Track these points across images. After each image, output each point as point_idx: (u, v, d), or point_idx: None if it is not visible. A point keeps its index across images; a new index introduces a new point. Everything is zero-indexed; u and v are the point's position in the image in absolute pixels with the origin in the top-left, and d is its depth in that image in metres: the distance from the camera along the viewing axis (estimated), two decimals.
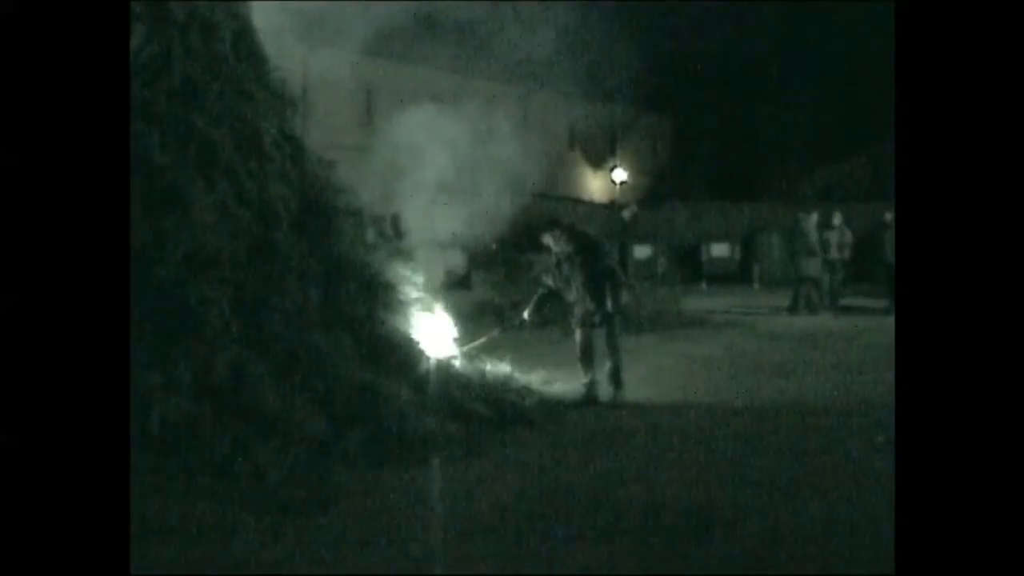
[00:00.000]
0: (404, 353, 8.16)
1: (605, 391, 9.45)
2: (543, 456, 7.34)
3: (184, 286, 7.11)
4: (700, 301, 19.81)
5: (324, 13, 10.69)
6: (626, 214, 28.58)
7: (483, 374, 9.02)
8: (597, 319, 9.28)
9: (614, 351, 9.45)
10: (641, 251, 26.66)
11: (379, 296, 8.31)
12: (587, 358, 9.44)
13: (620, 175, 41.45)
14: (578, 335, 9.44)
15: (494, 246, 18.67)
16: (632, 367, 10.41)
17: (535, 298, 9.83)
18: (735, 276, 27.84)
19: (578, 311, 9.36)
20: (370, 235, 8.69)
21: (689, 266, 26.76)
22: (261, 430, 6.80)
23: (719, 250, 28.93)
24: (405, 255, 9.00)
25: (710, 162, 41.89)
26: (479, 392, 8.45)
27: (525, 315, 9.91)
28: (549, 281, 9.56)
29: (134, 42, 7.77)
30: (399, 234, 9.72)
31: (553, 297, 9.77)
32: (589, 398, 9.37)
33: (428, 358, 8.42)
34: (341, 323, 7.82)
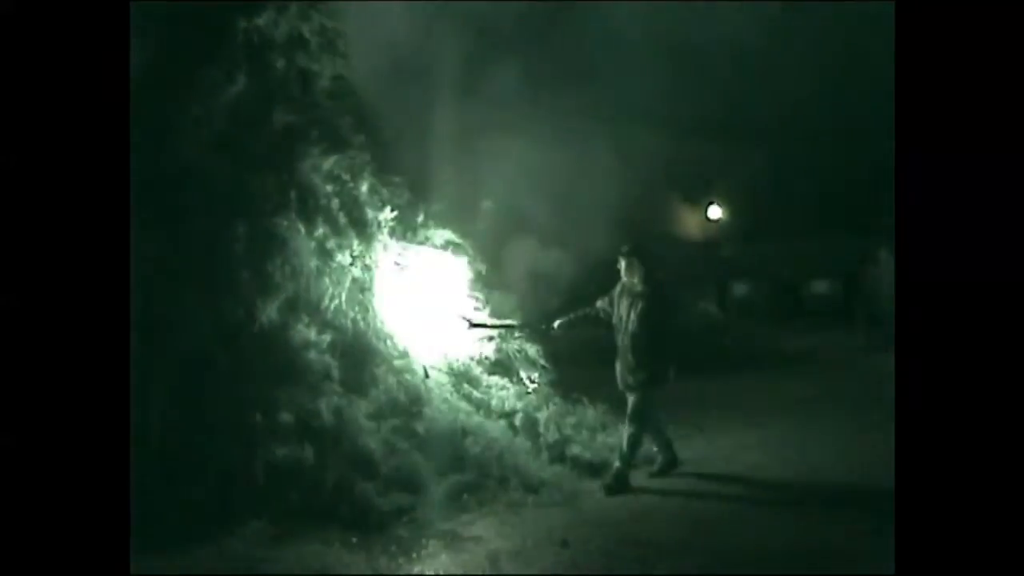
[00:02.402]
0: (503, 396, 8.25)
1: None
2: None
3: (286, 330, 7.30)
4: (801, 339, 19.51)
5: (413, 53, 10.90)
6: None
7: (586, 418, 8.90)
8: (631, 380, 7.84)
9: (661, 426, 8.16)
10: (739, 288, 26.42)
11: (478, 338, 8.41)
12: (638, 430, 7.88)
13: (716, 212, 41.06)
14: (631, 400, 7.89)
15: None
16: (724, 410, 10.24)
17: (576, 314, 8.51)
18: (837, 312, 27.33)
19: (619, 365, 7.94)
20: (469, 277, 8.81)
21: (790, 303, 26.39)
22: (363, 473, 6.93)
23: (820, 286, 28.45)
24: (504, 297, 9.06)
25: (811, 196, 41.25)
26: (581, 437, 8.42)
27: (556, 324, 8.53)
28: (602, 305, 8.21)
29: (233, 91, 8.06)
30: (495, 274, 9.74)
31: (599, 325, 8.42)
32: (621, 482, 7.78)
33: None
34: (440, 366, 7.94)
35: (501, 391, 8.39)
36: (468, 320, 8.48)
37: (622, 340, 7.87)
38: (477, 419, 7.80)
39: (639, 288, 7.86)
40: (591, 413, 9.03)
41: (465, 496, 7.15)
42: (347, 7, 9.14)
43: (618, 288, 8.07)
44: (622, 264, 8.02)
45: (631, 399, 7.85)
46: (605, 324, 8.19)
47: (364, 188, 8.17)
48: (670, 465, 8.10)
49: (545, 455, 7.82)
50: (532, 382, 8.80)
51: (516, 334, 9.11)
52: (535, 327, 8.96)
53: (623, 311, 7.89)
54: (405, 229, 8.47)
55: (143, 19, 8.77)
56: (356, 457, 7.03)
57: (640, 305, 7.78)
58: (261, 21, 8.37)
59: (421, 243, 8.54)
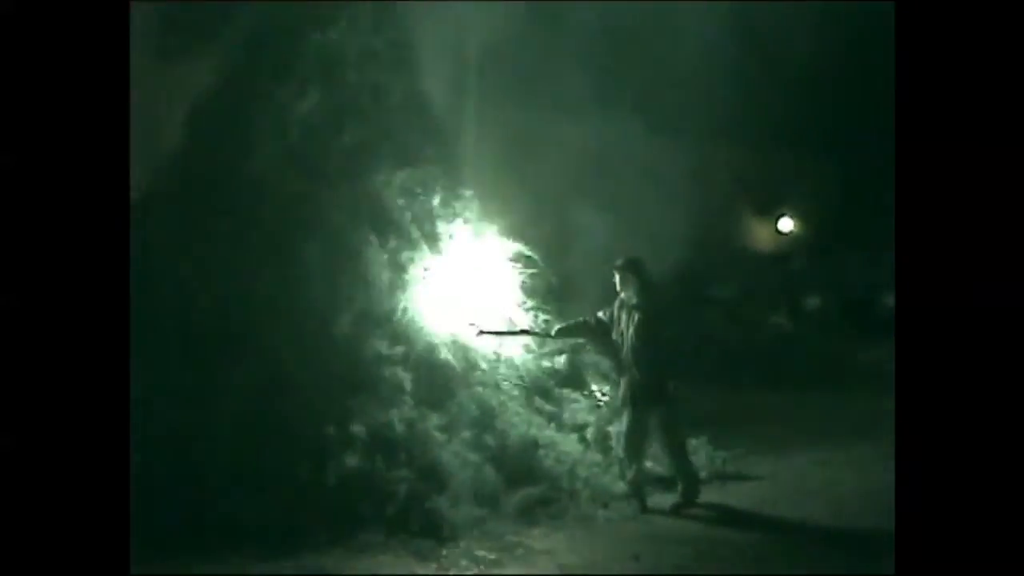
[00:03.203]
0: (575, 409, 8.27)
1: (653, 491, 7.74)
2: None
3: (359, 343, 7.41)
4: (876, 352, 19.19)
5: (483, 62, 10.96)
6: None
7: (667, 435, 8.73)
8: (639, 395, 7.52)
9: (675, 449, 7.66)
10: (812, 302, 26.07)
11: (551, 353, 8.45)
12: (632, 447, 7.61)
13: (787, 224, 40.56)
14: (625, 417, 7.65)
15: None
16: (797, 425, 10.10)
17: (576, 322, 8.14)
18: None
19: (623, 383, 7.69)
20: (540, 293, 8.85)
21: (864, 316, 25.98)
22: (434, 485, 6.99)
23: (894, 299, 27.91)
24: (572, 313, 9.06)
25: (884, 207, 40.59)
26: (652, 451, 8.38)
27: (554, 331, 8.24)
28: (603, 316, 7.89)
29: (306, 105, 8.23)
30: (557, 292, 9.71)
31: (598, 337, 8.18)
32: (637, 502, 7.54)
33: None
34: (512, 379, 7.99)
35: (573, 404, 8.40)
36: (478, 328, 8.21)
37: (624, 355, 7.68)
38: (549, 432, 7.82)
39: (634, 301, 7.66)
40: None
41: (536, 509, 7.17)
42: (417, 16, 9.24)
43: (617, 302, 7.86)
44: (616, 278, 7.81)
45: (660, 418, 7.58)
46: (602, 334, 7.95)
47: (436, 201, 8.27)
48: (690, 495, 7.58)
49: (616, 469, 7.80)
50: (603, 395, 8.79)
51: (587, 347, 9.07)
52: (538, 334, 8.63)
53: (623, 325, 7.72)
54: (476, 242, 8.54)
55: (219, 37, 9.06)
56: (428, 469, 7.07)
57: (636, 318, 7.59)
58: (334, 36, 8.54)
59: (492, 255, 8.59)
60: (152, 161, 8.61)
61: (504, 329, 8.48)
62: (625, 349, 7.65)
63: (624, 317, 7.72)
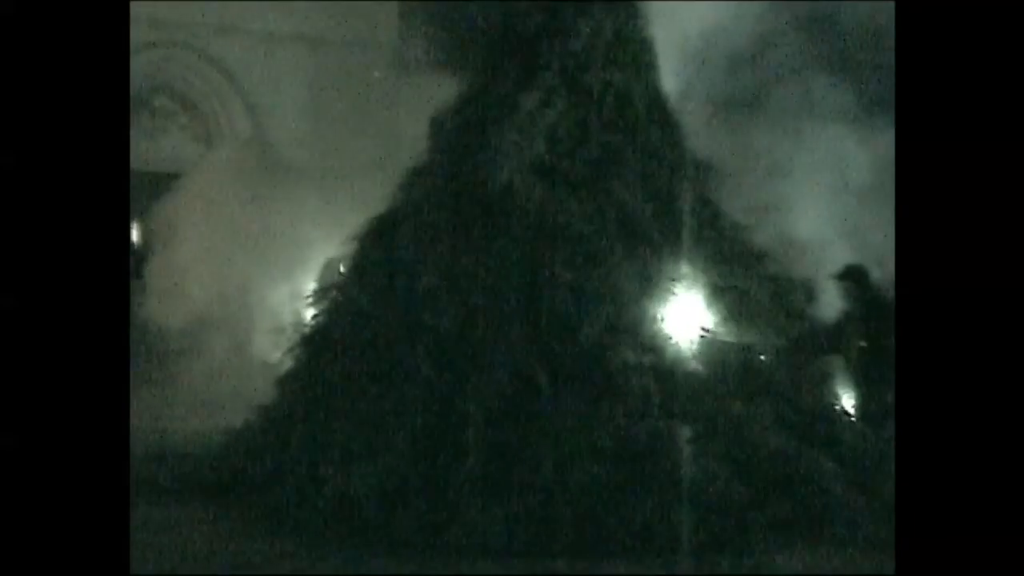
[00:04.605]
0: (828, 424, 8.05)
1: None
2: None
3: (606, 352, 7.48)
4: None
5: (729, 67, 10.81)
6: None
7: None
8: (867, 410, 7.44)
9: None
10: None
11: (800, 365, 8.27)
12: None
13: None
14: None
15: None
16: None
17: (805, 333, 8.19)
18: None
19: (846, 394, 7.63)
20: (789, 301, 8.68)
21: None
22: (680, 498, 6.97)
23: None
24: (823, 325, 8.83)
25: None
26: None
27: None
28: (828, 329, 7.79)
29: (551, 115, 8.40)
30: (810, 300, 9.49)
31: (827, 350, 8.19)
32: None
33: None
34: (760, 391, 7.87)
35: (825, 421, 8.19)
36: (705, 330, 8.17)
37: (848, 367, 7.68)
38: (800, 448, 7.64)
39: (857, 312, 7.68)
40: None
41: (785, 528, 7.04)
42: (662, 19, 9.23)
43: (839, 312, 7.84)
44: (838, 287, 7.84)
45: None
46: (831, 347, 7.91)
47: (685, 209, 8.25)
48: None
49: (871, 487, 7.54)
50: (852, 408, 8.53)
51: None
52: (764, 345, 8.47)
53: (849, 338, 7.75)
54: (731, 252, 8.47)
55: (464, 50, 9.38)
56: (674, 482, 7.07)
57: (861, 326, 7.65)
58: (577, 45, 8.67)
59: (741, 265, 8.48)
60: (398, 173, 9.01)
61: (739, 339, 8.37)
62: (852, 363, 7.71)
63: (848, 328, 7.77)
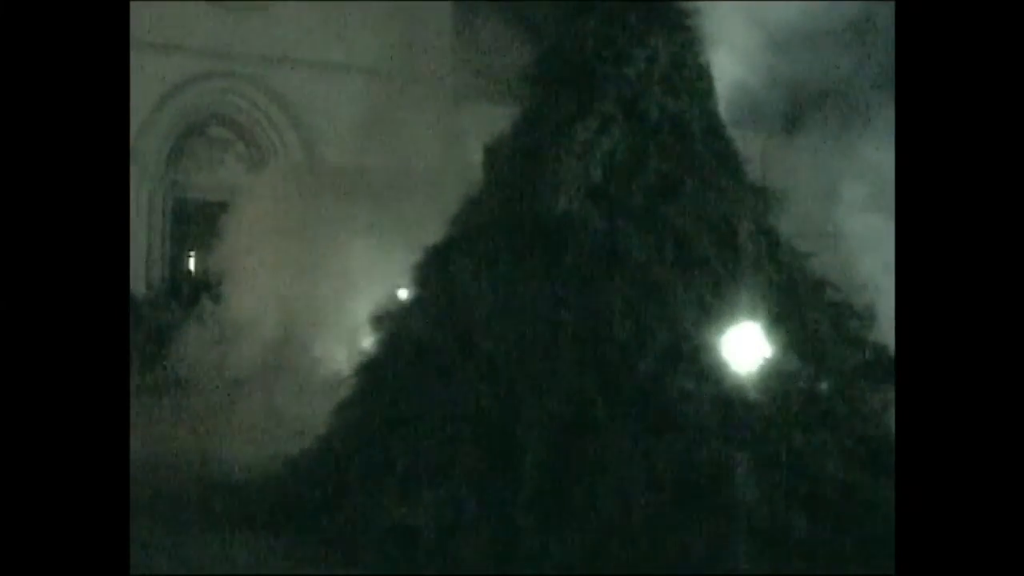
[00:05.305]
0: (890, 454, 7.96)
1: None
2: None
3: (664, 380, 7.49)
4: None
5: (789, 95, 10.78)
6: None
7: None
8: None
9: None
10: None
11: (862, 393, 8.21)
12: None
13: None
14: None
15: None
16: None
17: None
18: None
19: None
20: (850, 329, 8.63)
21: None
22: (740, 529, 6.94)
23: None
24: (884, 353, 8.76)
25: None
26: None
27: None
28: None
29: (608, 144, 8.45)
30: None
31: None
32: None
33: None
34: (821, 421, 7.82)
35: (887, 451, 8.08)
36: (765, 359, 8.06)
37: None
38: (863, 478, 7.56)
39: None
40: None
41: (848, 560, 6.96)
42: (716, 46, 9.27)
43: None
44: None
45: None
46: None
47: (744, 236, 8.24)
48: None
49: None
50: None
51: None
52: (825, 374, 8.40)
53: None
54: (790, 280, 8.44)
55: (519, 79, 9.47)
56: (734, 513, 7.03)
57: None
58: (632, 73, 8.72)
59: (806, 296, 8.45)
60: (454, 202, 9.10)
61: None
62: None
63: None
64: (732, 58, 9.37)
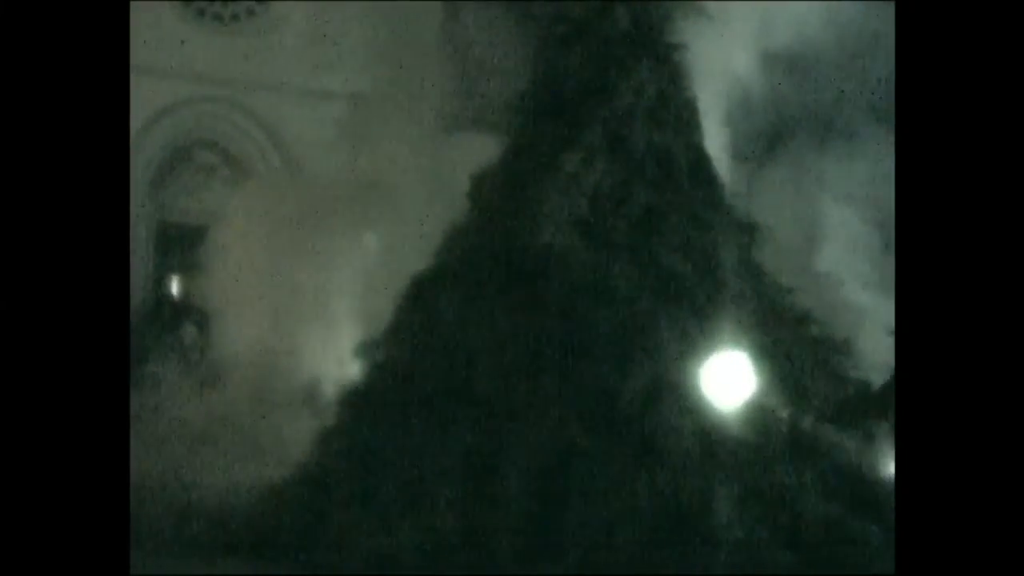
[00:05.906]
0: (872, 488, 8.02)
1: None
2: None
3: (647, 412, 7.53)
4: None
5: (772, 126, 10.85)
6: None
7: None
8: None
9: None
10: None
11: (844, 428, 8.27)
12: None
13: None
14: None
15: None
16: None
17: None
18: None
19: None
20: (832, 364, 8.70)
21: None
22: (725, 561, 6.99)
23: None
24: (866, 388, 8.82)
25: None
26: None
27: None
28: None
29: (593, 176, 8.51)
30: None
31: None
32: None
33: None
34: (804, 454, 7.88)
35: (869, 485, 8.15)
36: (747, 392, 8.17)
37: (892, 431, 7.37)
38: (844, 513, 7.60)
39: None
40: None
41: None
42: (703, 79, 9.35)
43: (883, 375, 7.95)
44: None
45: None
46: None
47: (727, 269, 8.30)
48: None
49: None
50: None
51: None
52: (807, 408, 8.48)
53: (891, 400, 7.46)
54: (773, 314, 8.51)
55: (506, 109, 9.53)
56: (715, 546, 7.09)
57: None
58: (619, 106, 8.79)
59: (789, 330, 8.52)
60: (439, 231, 9.13)
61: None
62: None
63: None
64: (719, 88, 9.45)
